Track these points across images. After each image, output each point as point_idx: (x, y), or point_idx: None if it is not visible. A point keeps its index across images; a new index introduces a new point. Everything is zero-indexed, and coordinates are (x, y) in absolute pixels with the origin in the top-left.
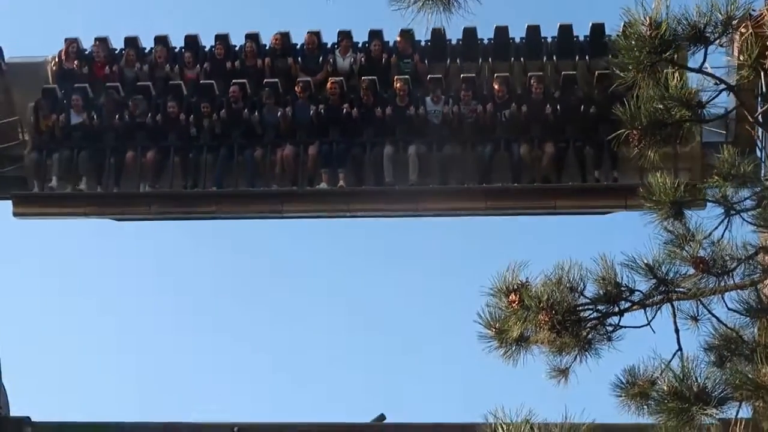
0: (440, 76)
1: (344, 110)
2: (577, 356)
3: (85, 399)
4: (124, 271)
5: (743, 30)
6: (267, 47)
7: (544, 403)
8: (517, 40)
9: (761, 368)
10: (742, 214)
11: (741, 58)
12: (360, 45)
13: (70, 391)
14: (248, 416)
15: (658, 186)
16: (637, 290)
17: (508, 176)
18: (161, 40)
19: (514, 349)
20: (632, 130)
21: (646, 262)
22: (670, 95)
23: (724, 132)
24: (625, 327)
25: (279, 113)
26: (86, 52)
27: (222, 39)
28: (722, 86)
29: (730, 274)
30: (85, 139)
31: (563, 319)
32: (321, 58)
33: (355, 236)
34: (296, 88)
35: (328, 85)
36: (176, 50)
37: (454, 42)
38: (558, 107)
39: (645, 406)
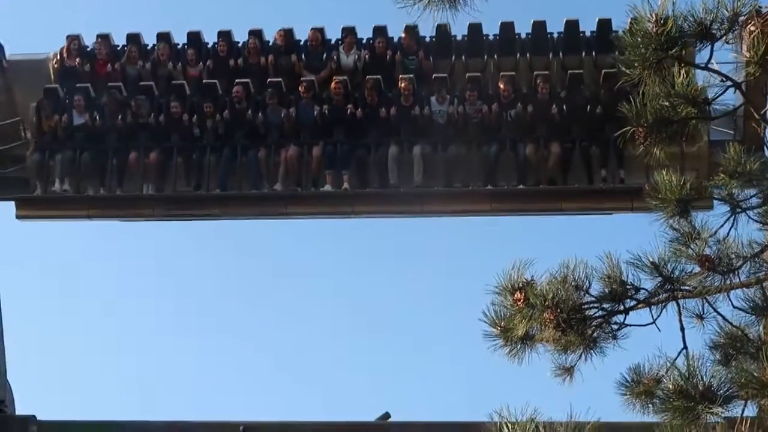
0: (445, 75)
1: (348, 111)
2: (583, 354)
3: (90, 398)
4: (127, 271)
5: (752, 28)
6: (270, 44)
7: (549, 401)
8: (523, 35)
9: (767, 366)
10: (748, 212)
11: (748, 54)
12: (364, 41)
13: (75, 391)
14: (254, 416)
15: (663, 184)
16: (643, 288)
17: (513, 177)
18: (163, 37)
19: (519, 347)
20: (638, 128)
21: (651, 260)
22: (676, 92)
23: (732, 131)
24: (631, 325)
25: (283, 114)
26: (88, 49)
27: (225, 36)
28: (728, 83)
29: (736, 272)
30: (88, 140)
31: (568, 318)
32: (325, 56)
33: (359, 236)
34: (300, 88)
35: (333, 85)
36: (179, 47)
37: (459, 38)
38: (564, 107)
39: (650, 405)
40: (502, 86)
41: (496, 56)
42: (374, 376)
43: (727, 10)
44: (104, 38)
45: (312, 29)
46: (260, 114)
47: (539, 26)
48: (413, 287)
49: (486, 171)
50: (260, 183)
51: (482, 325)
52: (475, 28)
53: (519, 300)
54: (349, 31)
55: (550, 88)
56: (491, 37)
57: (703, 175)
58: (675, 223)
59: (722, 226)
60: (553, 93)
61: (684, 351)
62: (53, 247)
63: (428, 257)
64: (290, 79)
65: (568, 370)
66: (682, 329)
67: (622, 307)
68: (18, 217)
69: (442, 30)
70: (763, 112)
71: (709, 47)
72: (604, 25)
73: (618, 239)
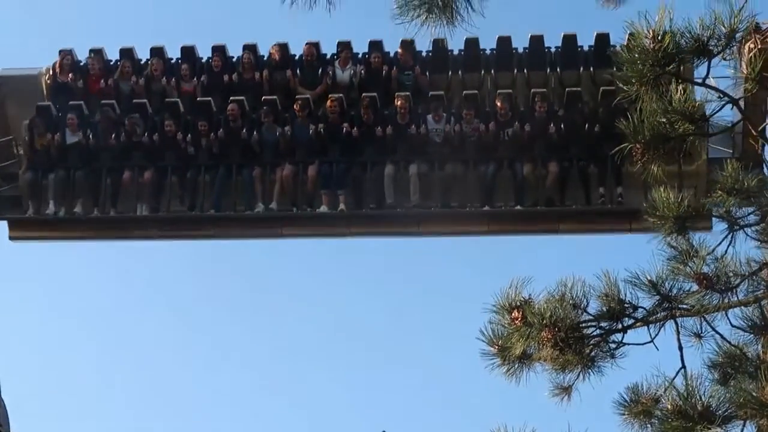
0: (441, 93)
1: (344, 129)
2: (580, 374)
3: (85, 417)
4: (121, 289)
5: (751, 45)
6: (265, 58)
7: (547, 421)
8: (520, 50)
9: (765, 386)
10: (746, 229)
11: (745, 71)
12: (360, 55)
13: (70, 410)
14: None
15: (661, 201)
16: (641, 307)
17: (511, 196)
18: (157, 52)
19: (516, 366)
20: (635, 144)
21: (649, 278)
22: (673, 109)
23: (731, 150)
24: (629, 344)
25: (278, 132)
26: (81, 64)
27: (219, 50)
28: (726, 100)
29: (734, 291)
30: (81, 159)
31: (566, 336)
32: (320, 71)
33: (354, 255)
34: (295, 107)
35: (328, 103)
36: (172, 61)
37: (456, 53)
38: (562, 126)
39: (648, 425)
40: (499, 104)
41: (493, 71)
42: (370, 394)
43: (724, 26)
44: (97, 53)
45: (307, 44)
46: (255, 132)
47: (537, 41)
48: (407, 307)
49: (483, 190)
50: (255, 203)
51: (480, 344)
52: (471, 43)
53: (516, 319)
54: (344, 46)
55: (548, 107)
56: (488, 52)
57: (702, 194)
58: (673, 241)
59: (720, 243)
60: (550, 111)
61: (682, 370)
62: (47, 266)
63: (423, 277)
64: (285, 95)
65: (566, 390)
66: (681, 348)
67: (620, 326)
68: (11, 238)
69: (439, 45)
70: (760, 128)
71: (707, 63)
72: (602, 39)
73: (616, 259)
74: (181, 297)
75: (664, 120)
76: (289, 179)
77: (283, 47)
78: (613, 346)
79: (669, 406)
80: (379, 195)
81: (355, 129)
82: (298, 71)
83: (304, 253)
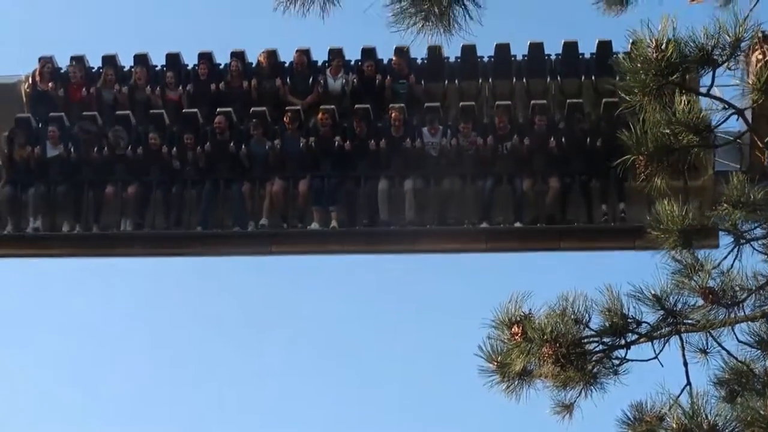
0: (437, 105)
1: (336, 142)
2: (582, 391)
3: None
4: (104, 306)
5: (759, 56)
6: (253, 66)
7: None
8: (519, 58)
9: None
10: (752, 243)
11: (750, 81)
12: (352, 63)
13: (52, 428)
14: None
15: (665, 214)
16: (645, 322)
17: (510, 212)
18: (141, 60)
19: (516, 383)
20: (638, 156)
21: (653, 292)
22: (677, 119)
23: (738, 165)
24: (632, 360)
25: (267, 146)
26: (62, 72)
27: (205, 58)
28: (731, 110)
29: (741, 305)
30: (62, 172)
31: (568, 352)
32: (311, 79)
33: (347, 272)
34: (285, 119)
35: (319, 116)
36: (157, 68)
37: (452, 60)
38: (563, 139)
39: None
40: (497, 118)
41: (491, 79)
42: (365, 412)
43: (728, 35)
44: (79, 60)
45: (297, 51)
46: (243, 146)
47: (536, 48)
48: (401, 324)
49: (481, 207)
50: (244, 219)
51: (479, 360)
52: (469, 50)
53: (516, 334)
54: (336, 54)
55: (548, 119)
56: (486, 60)
57: (708, 209)
58: (677, 255)
59: (726, 257)
60: (551, 124)
61: (687, 387)
62: (26, 283)
63: (417, 293)
64: (275, 104)
65: (568, 407)
66: (686, 364)
67: (623, 342)
68: None
69: (435, 52)
70: (766, 140)
71: (711, 73)
72: (604, 47)
73: (620, 276)
74: (165, 314)
75: (667, 131)
76: (279, 195)
77: (271, 54)
78: (616, 362)
79: (674, 425)
80: (372, 211)
81: (348, 142)
82: (288, 80)
83: (293, 269)
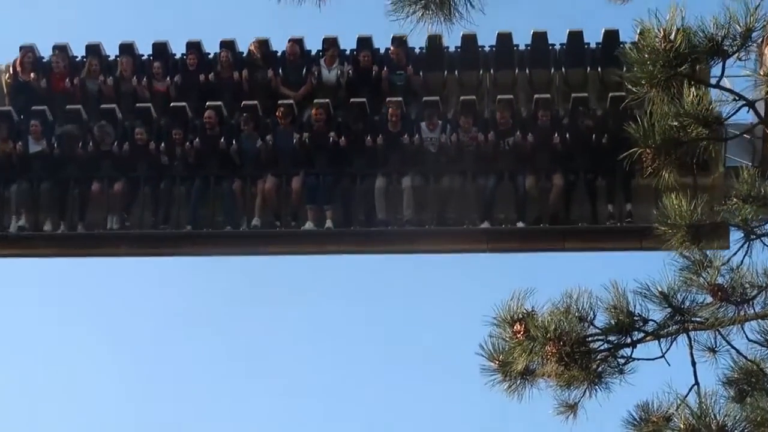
0: (437, 98)
1: (331, 138)
2: (587, 390)
3: None
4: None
5: None
6: (244, 55)
7: None
8: (522, 47)
9: None
10: (763, 238)
11: (762, 72)
12: (347, 53)
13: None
14: None
15: (673, 209)
16: (651, 320)
17: (512, 211)
18: (126, 49)
19: (519, 382)
20: (645, 150)
21: (660, 289)
22: (685, 112)
23: (750, 163)
24: (638, 359)
25: (259, 143)
26: (44, 61)
27: (194, 47)
28: (742, 102)
29: (751, 303)
30: (46, 169)
31: (572, 351)
32: (305, 70)
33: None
34: (277, 114)
35: (313, 111)
36: (143, 58)
37: (452, 50)
38: (567, 135)
39: None
40: (498, 114)
41: (492, 70)
42: (367, 413)
43: (739, 25)
44: (61, 50)
45: (290, 41)
46: (234, 141)
47: (540, 37)
48: (400, 321)
49: (482, 205)
50: (235, 217)
51: (480, 359)
52: (469, 39)
53: (519, 332)
54: (330, 43)
55: (552, 115)
56: (487, 49)
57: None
58: (685, 251)
59: (736, 253)
60: (555, 119)
61: (695, 387)
62: (11, 282)
63: (416, 291)
64: (266, 96)
65: (572, 407)
66: (694, 364)
67: (629, 340)
68: None
69: (434, 41)
70: None
71: (721, 64)
72: (611, 36)
73: (626, 276)
74: (156, 313)
75: (675, 124)
76: (272, 192)
77: (263, 44)
78: (621, 361)
79: (681, 425)
80: (369, 210)
81: (343, 138)
82: (280, 70)
83: (286, 268)
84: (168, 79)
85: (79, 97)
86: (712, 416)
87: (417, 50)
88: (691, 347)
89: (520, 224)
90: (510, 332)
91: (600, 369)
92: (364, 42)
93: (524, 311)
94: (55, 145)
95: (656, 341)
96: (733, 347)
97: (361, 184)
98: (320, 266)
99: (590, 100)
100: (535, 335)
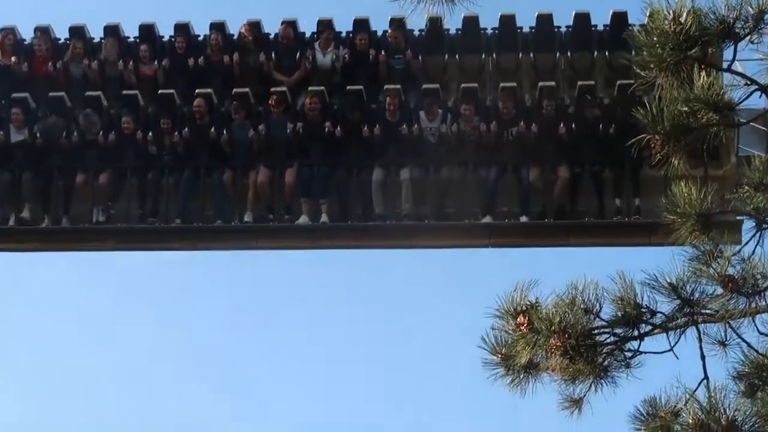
0: (437, 86)
1: (326, 128)
2: (592, 385)
3: None
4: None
5: None
6: (235, 38)
7: None
8: (526, 30)
9: None
10: None
11: None
12: (343, 35)
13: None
14: None
15: (682, 197)
16: (659, 312)
17: (515, 204)
18: (112, 31)
19: (522, 376)
20: (654, 136)
21: (669, 280)
22: (695, 97)
23: (763, 154)
24: (646, 352)
25: (251, 133)
26: (25, 44)
27: (182, 30)
28: (754, 87)
29: (762, 295)
30: (28, 159)
31: (577, 344)
32: (298, 54)
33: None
34: (270, 102)
35: (308, 100)
36: (129, 40)
37: (452, 32)
38: (573, 125)
39: None
40: (501, 103)
41: (494, 54)
42: (365, 410)
43: (751, 6)
44: (44, 32)
45: (283, 23)
46: (225, 131)
47: (545, 20)
48: (398, 314)
49: (484, 198)
50: (227, 210)
51: (482, 352)
52: (471, 22)
53: (522, 324)
54: (325, 25)
55: (557, 104)
56: (490, 32)
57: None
58: (695, 241)
59: (747, 243)
60: (560, 109)
61: (705, 381)
62: None
63: (420, 285)
64: (258, 81)
65: (577, 402)
66: (703, 357)
67: (636, 333)
68: None
69: (434, 23)
70: None
71: (733, 47)
72: (619, 18)
73: (633, 269)
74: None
75: (685, 109)
76: (265, 185)
77: (254, 26)
78: (628, 354)
79: (690, 421)
80: (366, 203)
81: (339, 128)
82: (273, 54)
83: (279, 262)
84: (156, 62)
85: (62, 81)
86: (722, 411)
87: (416, 33)
88: (700, 340)
89: (523, 218)
90: (513, 324)
91: (606, 363)
92: (361, 24)
93: (528, 303)
94: (38, 134)
95: (664, 334)
96: (743, 340)
97: (358, 176)
98: (315, 261)
99: (597, 86)
100: (539, 327)
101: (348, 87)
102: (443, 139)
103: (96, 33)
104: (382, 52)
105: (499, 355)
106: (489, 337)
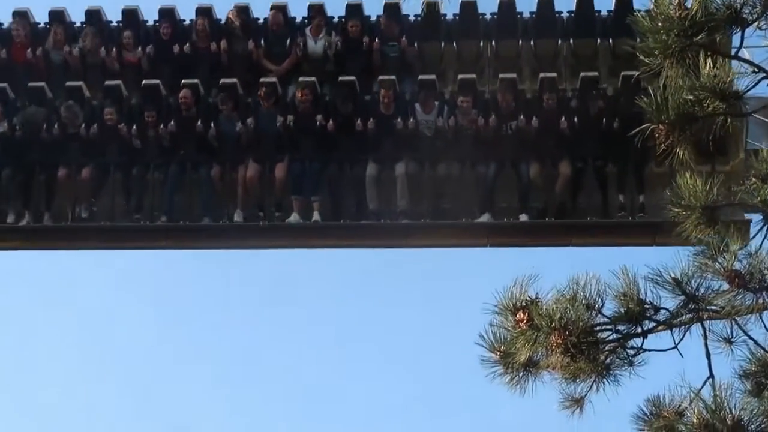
0: (433, 77)
1: (318, 122)
2: (594, 383)
3: None
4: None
5: None
6: (222, 23)
7: None
8: (526, 15)
9: None
10: None
11: None
12: (335, 21)
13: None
14: None
15: (687, 189)
16: (663, 308)
17: (515, 201)
18: (92, 16)
19: (521, 375)
20: (658, 125)
21: (673, 276)
22: (701, 85)
23: None
24: (649, 350)
25: (239, 127)
26: (2, 28)
27: (168, 15)
28: (762, 75)
29: None
30: (8, 153)
31: (578, 341)
32: (289, 41)
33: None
34: (259, 94)
35: (299, 92)
36: (112, 25)
37: (449, 18)
38: (575, 119)
39: None
40: (500, 96)
41: (493, 41)
42: (363, 410)
43: None
44: (22, 16)
45: (273, 9)
46: (212, 124)
47: (546, 5)
48: (394, 312)
49: (482, 194)
50: (214, 207)
51: (480, 349)
52: (468, 7)
53: (522, 321)
54: (317, 11)
55: (559, 97)
56: (488, 17)
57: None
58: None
59: (754, 237)
60: (561, 102)
61: (710, 379)
62: None
63: (415, 282)
64: (247, 69)
65: (578, 401)
66: (708, 355)
67: (639, 330)
68: None
69: (430, 8)
70: None
71: (740, 33)
72: (623, 4)
73: (637, 268)
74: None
75: (691, 97)
76: (254, 181)
77: (242, 11)
78: (631, 352)
79: (695, 420)
80: (359, 199)
81: (331, 121)
82: (262, 41)
83: (271, 261)
84: (139, 49)
85: (42, 68)
86: (728, 410)
87: (412, 18)
88: (705, 337)
89: (523, 216)
90: (512, 321)
91: (608, 360)
92: (354, 9)
93: (528, 298)
94: (17, 126)
95: (668, 331)
96: (750, 337)
97: (351, 171)
98: (308, 260)
99: (600, 76)
100: (539, 324)
101: (340, 78)
102: (440, 133)
103: (77, 17)
104: (376, 39)
105: (498, 353)
106: (487, 334)
